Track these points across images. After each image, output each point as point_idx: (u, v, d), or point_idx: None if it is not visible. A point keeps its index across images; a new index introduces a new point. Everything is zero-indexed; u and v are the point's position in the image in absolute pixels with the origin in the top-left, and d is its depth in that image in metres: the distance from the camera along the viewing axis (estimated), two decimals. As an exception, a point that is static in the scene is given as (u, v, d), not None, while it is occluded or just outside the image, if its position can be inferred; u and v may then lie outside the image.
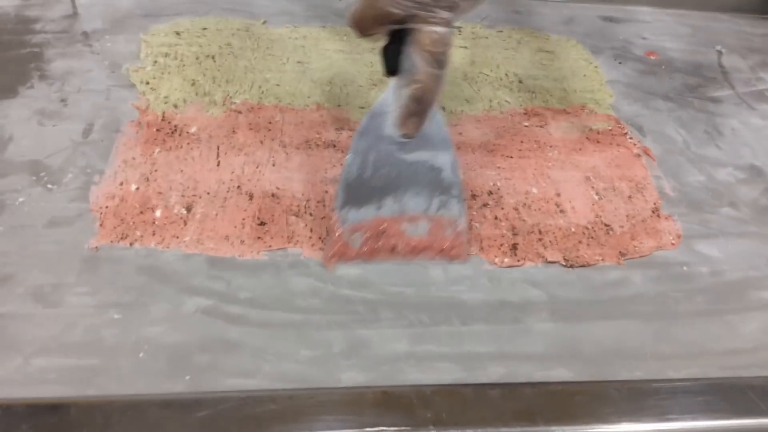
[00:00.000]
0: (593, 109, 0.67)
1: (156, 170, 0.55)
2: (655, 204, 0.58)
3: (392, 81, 0.48)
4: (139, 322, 0.46)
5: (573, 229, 0.55)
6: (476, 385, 0.44)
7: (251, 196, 0.54)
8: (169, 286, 0.48)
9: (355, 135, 0.49)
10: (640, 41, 0.79)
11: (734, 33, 0.83)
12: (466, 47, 0.73)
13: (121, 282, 0.48)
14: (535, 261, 0.53)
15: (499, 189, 0.57)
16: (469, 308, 0.49)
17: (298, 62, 0.68)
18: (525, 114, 0.65)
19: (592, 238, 0.55)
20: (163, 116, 0.59)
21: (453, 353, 0.47)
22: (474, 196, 0.56)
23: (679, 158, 0.64)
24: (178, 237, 0.51)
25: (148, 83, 0.63)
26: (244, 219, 0.52)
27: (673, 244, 0.55)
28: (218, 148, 0.57)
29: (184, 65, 0.65)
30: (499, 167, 0.59)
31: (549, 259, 0.53)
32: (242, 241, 0.51)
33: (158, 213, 0.52)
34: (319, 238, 0.52)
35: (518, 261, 0.53)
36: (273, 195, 0.54)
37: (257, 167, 0.56)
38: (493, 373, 0.46)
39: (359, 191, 0.50)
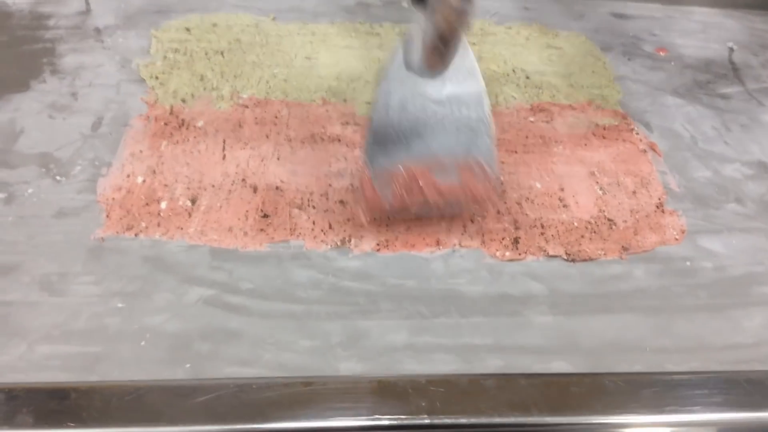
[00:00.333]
0: (600, 104, 0.67)
1: (162, 163, 0.56)
2: (659, 199, 0.58)
3: (418, 15, 0.46)
4: (141, 311, 0.46)
5: (576, 224, 0.55)
6: (471, 375, 0.44)
7: (255, 189, 0.55)
8: (172, 276, 0.48)
9: (382, 73, 0.49)
10: (650, 38, 0.79)
11: (746, 29, 0.82)
12: (474, 43, 0.73)
13: (125, 272, 0.48)
14: (536, 255, 0.53)
15: (502, 183, 0.57)
16: (468, 301, 0.50)
17: (306, 58, 0.68)
18: (531, 110, 0.65)
19: (594, 232, 0.55)
20: (171, 110, 0.60)
21: (451, 345, 0.47)
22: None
23: (686, 154, 0.63)
24: (182, 228, 0.51)
25: (157, 78, 0.64)
26: (247, 211, 0.53)
27: (676, 239, 0.55)
28: (224, 142, 0.58)
29: (193, 60, 0.66)
30: (503, 162, 0.59)
31: (551, 253, 0.53)
32: (245, 233, 0.52)
33: (163, 205, 0.53)
34: (321, 230, 0.52)
35: (519, 255, 0.53)
36: (277, 188, 0.55)
37: (262, 160, 0.57)
38: (491, 364, 0.46)
39: (386, 135, 0.49)
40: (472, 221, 0.54)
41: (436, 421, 0.39)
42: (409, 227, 0.53)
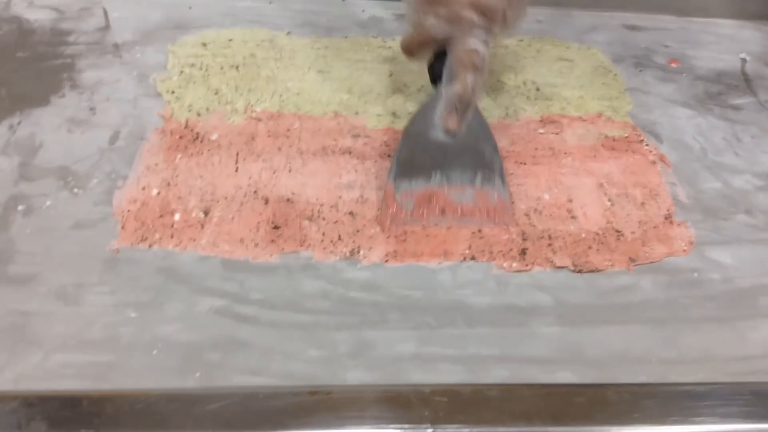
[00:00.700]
0: (610, 116, 0.67)
1: (177, 175, 0.57)
2: (668, 210, 0.58)
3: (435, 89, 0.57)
4: (154, 321, 0.48)
5: (583, 235, 0.56)
6: (474, 385, 0.45)
7: (267, 201, 0.56)
8: (185, 287, 0.50)
9: (405, 129, 0.57)
10: (663, 49, 0.79)
11: (760, 40, 0.82)
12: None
13: (139, 282, 0.50)
14: (543, 266, 0.53)
15: (510, 195, 0.58)
16: (475, 311, 0.50)
17: (319, 71, 0.69)
18: (541, 121, 0.66)
19: (602, 243, 0.55)
20: (186, 124, 0.62)
21: (457, 355, 0.48)
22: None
23: (696, 165, 0.64)
24: (195, 240, 0.53)
25: (173, 92, 0.65)
26: (259, 223, 0.54)
27: (684, 250, 0.56)
28: (237, 155, 0.59)
29: (208, 75, 0.67)
30: (511, 173, 0.60)
31: (558, 264, 0.53)
32: (256, 244, 0.53)
33: (177, 216, 0.54)
34: (331, 241, 0.53)
35: (527, 266, 0.53)
36: (288, 200, 0.56)
37: (274, 173, 0.58)
38: (497, 375, 0.47)
39: (410, 167, 0.55)
40: (480, 231, 0.55)
41: (440, 430, 0.40)
42: (417, 239, 0.54)
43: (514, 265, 0.53)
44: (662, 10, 0.84)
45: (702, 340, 0.50)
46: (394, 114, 0.65)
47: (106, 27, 0.73)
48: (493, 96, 0.68)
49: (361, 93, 0.67)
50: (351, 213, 0.55)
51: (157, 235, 0.53)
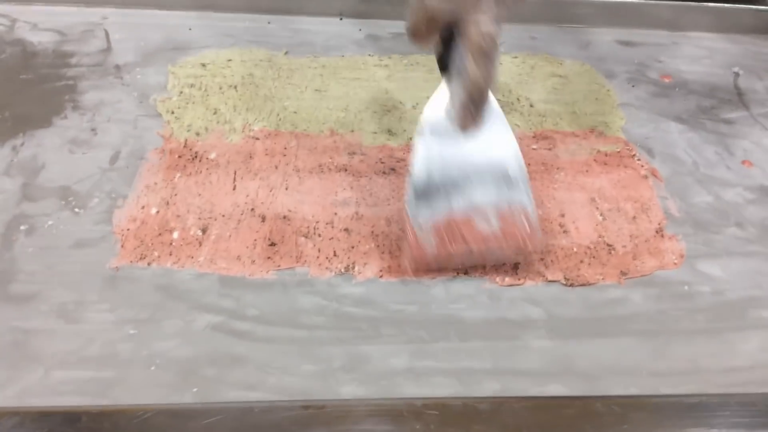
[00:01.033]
0: (603, 131, 0.68)
1: (176, 194, 0.58)
2: (659, 224, 0.59)
3: (444, 81, 0.52)
4: (152, 337, 0.48)
5: (575, 249, 0.56)
6: (465, 398, 0.45)
7: (264, 218, 0.57)
8: (182, 304, 0.51)
9: (416, 137, 0.52)
10: (656, 64, 0.80)
11: (753, 54, 0.83)
12: (480, 73, 0.75)
13: (138, 300, 0.51)
14: (535, 280, 0.54)
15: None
16: (468, 325, 0.51)
17: (316, 90, 0.71)
18: (534, 137, 0.67)
19: (593, 257, 0.56)
20: (185, 143, 0.63)
21: (450, 368, 0.48)
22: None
23: (687, 179, 0.64)
24: (192, 257, 0.54)
25: (173, 112, 0.66)
26: (255, 240, 0.55)
27: (675, 263, 0.56)
28: (235, 173, 0.60)
29: (207, 95, 0.69)
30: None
31: (549, 278, 0.54)
32: (253, 261, 0.54)
33: (175, 235, 0.55)
34: (326, 258, 0.54)
35: (519, 280, 0.54)
36: (284, 217, 0.57)
37: (271, 191, 0.59)
38: (489, 388, 0.47)
39: (428, 190, 0.51)
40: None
41: (431, 443, 0.41)
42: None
43: (507, 279, 0.54)
44: (655, 26, 0.85)
45: (692, 352, 0.50)
46: (389, 131, 0.66)
47: (108, 49, 0.74)
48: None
49: (357, 111, 0.68)
50: (346, 229, 0.56)
51: (156, 253, 0.54)
